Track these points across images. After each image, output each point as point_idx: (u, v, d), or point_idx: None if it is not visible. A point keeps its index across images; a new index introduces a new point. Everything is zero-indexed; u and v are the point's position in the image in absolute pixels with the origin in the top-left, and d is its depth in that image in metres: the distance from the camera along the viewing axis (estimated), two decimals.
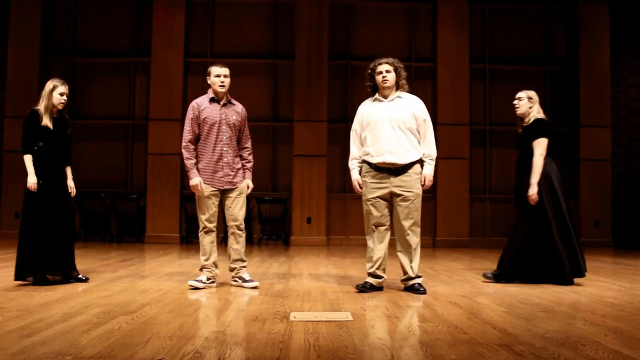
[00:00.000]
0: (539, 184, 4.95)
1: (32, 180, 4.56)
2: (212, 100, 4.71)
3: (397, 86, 4.56)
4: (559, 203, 4.99)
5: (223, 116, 4.68)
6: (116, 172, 10.35)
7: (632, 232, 10.13)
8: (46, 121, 4.65)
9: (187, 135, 4.67)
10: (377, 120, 4.46)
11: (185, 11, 10.14)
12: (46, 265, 4.60)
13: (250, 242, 9.75)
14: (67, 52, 10.40)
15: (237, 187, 4.74)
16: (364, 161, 4.57)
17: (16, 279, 4.57)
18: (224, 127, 4.67)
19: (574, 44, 10.44)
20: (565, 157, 10.47)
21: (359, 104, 4.76)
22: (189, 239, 9.73)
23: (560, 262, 4.92)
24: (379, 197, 4.49)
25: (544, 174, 4.98)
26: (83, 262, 6.34)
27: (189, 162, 4.64)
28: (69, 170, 4.89)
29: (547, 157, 5.02)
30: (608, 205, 10.11)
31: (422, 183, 4.48)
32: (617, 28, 10.70)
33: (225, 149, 4.67)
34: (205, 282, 4.62)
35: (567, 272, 4.93)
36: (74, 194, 4.93)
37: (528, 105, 5.12)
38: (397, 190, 4.43)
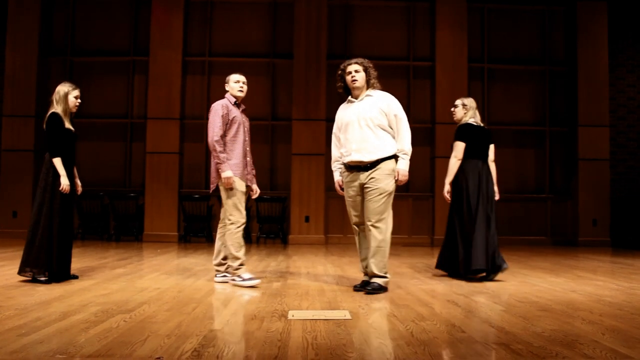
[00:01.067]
0: (461, 183, 5.26)
1: (65, 182, 4.65)
2: (234, 104, 4.93)
3: (368, 85, 4.59)
4: (466, 201, 5.19)
5: (243, 119, 4.97)
6: (115, 171, 10.34)
7: (630, 231, 10.15)
8: (67, 124, 4.80)
9: (218, 130, 4.77)
10: (348, 121, 4.54)
11: (184, 10, 10.13)
12: (60, 262, 4.65)
13: (248, 240, 9.74)
14: (66, 51, 10.39)
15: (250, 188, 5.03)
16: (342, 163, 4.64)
17: (19, 272, 4.61)
18: (246, 129, 4.96)
19: (572, 44, 10.45)
20: (564, 156, 10.51)
21: None
22: (187, 238, 9.73)
23: (456, 256, 5.23)
24: (354, 195, 4.52)
25: (461, 174, 5.26)
26: (81, 260, 6.34)
27: (223, 156, 4.74)
28: (75, 170, 4.97)
29: (472, 159, 5.26)
30: (606, 205, 10.13)
31: (396, 178, 4.42)
32: (615, 28, 10.72)
33: (248, 149, 4.95)
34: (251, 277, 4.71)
35: (460, 266, 5.19)
36: (80, 192, 5.01)
37: (463, 111, 5.45)
38: (364, 186, 4.44)
